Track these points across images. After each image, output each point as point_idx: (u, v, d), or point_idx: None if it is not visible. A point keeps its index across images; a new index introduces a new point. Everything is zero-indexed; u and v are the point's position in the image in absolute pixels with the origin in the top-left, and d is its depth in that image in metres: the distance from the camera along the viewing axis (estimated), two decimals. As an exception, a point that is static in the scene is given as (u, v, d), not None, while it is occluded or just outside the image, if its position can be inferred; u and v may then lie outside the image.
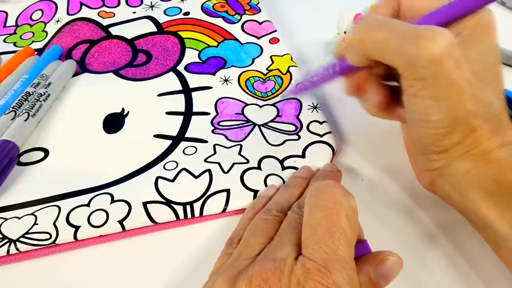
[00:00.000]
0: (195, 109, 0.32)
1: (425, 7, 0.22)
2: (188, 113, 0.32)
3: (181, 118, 0.31)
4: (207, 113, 0.32)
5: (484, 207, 0.20)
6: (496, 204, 0.20)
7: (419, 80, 0.19)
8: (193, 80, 0.34)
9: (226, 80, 0.34)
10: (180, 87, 0.34)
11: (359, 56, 0.22)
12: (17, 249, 0.23)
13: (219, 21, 0.40)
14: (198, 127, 0.31)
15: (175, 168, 0.27)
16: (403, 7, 0.23)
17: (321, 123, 0.30)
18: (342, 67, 0.25)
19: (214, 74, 0.35)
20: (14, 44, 0.38)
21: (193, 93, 0.33)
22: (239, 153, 0.28)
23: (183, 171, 0.27)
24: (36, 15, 0.41)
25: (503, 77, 0.22)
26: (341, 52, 0.25)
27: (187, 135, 0.30)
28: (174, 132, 0.30)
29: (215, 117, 0.31)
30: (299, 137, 0.29)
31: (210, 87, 0.34)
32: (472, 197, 0.21)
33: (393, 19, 0.22)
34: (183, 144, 0.29)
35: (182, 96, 0.33)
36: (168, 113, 0.32)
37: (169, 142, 0.30)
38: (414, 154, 0.24)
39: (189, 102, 0.33)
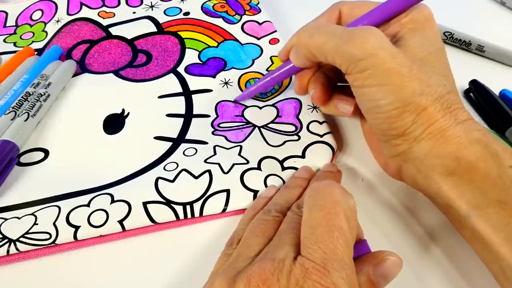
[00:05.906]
0: (195, 111, 0.32)
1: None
2: (188, 116, 0.32)
3: (181, 120, 0.31)
4: (207, 116, 0.32)
5: (445, 187, 0.21)
6: (456, 184, 0.21)
7: (361, 72, 0.21)
8: (194, 82, 0.34)
9: (226, 83, 0.34)
10: (180, 89, 0.34)
11: (302, 59, 0.25)
12: (17, 249, 0.23)
13: (219, 22, 0.40)
14: (199, 129, 0.31)
15: (175, 169, 0.27)
16: (344, 15, 0.27)
17: (321, 123, 0.30)
18: (288, 70, 0.28)
19: (214, 77, 0.35)
20: (14, 44, 0.38)
21: (193, 96, 0.33)
22: (239, 154, 0.28)
23: (183, 172, 0.27)
24: (36, 15, 0.41)
25: (449, 61, 0.24)
26: (284, 56, 0.28)
27: (188, 137, 0.30)
28: (174, 134, 0.30)
29: (215, 119, 0.31)
30: (299, 138, 0.29)
31: (210, 90, 0.34)
32: (434, 178, 0.21)
33: (330, 24, 0.25)
34: (183, 146, 0.29)
35: (182, 98, 0.33)
36: (168, 115, 0.32)
37: (169, 144, 0.30)
38: (378, 145, 0.26)
39: (189, 104, 0.33)
